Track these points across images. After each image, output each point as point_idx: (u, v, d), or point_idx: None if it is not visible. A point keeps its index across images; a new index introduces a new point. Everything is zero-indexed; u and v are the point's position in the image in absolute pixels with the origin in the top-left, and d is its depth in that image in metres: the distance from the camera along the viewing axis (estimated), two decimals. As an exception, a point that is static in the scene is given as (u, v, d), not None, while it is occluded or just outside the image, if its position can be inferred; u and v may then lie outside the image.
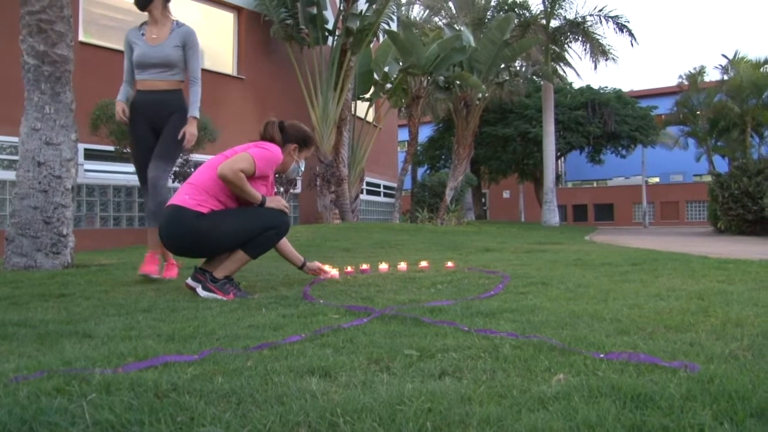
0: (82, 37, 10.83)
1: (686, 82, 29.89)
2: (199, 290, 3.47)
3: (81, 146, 9.16)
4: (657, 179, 41.70)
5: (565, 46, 24.79)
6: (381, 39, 16.77)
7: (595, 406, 1.40)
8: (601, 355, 1.87)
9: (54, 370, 1.73)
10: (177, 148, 4.58)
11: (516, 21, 20.13)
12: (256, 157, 3.53)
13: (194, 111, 4.56)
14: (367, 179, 18.42)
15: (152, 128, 4.58)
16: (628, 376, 1.66)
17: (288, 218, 3.77)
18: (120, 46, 12.06)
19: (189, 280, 3.57)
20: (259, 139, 3.77)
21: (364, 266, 4.78)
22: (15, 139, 6.60)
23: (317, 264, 4.20)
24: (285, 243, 3.98)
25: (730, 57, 27.29)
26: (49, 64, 5.24)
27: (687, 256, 6.14)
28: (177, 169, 10.35)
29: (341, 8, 14.59)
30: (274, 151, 3.67)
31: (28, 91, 5.27)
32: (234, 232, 3.52)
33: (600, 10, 22.48)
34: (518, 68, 23.26)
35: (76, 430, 1.29)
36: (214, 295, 3.41)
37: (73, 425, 1.31)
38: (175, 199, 3.56)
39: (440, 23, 23.98)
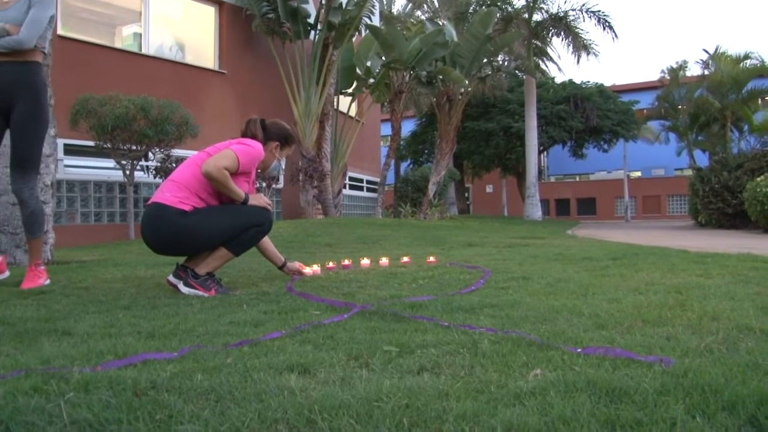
0: (60, 31, 10.71)
1: (668, 77, 30.11)
2: (181, 286, 3.45)
3: (60, 141, 9.08)
4: (639, 173, 42.01)
5: (548, 40, 24.90)
6: (363, 33, 16.74)
7: (570, 401, 1.42)
8: (579, 350, 1.89)
9: (32, 369, 1.72)
10: (34, 144, 3.93)
11: (498, 15, 20.17)
12: (239, 154, 3.52)
13: None
14: (350, 174, 18.41)
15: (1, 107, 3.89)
16: (604, 370, 1.67)
17: (271, 216, 3.76)
18: (100, 40, 12.00)
19: (170, 277, 3.56)
20: (241, 136, 3.76)
21: (346, 262, 4.78)
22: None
23: (297, 264, 4.20)
24: (266, 241, 3.97)
25: (711, 52, 27.52)
26: (27, 58, 5.17)
27: (667, 250, 6.20)
28: (158, 164, 10.29)
29: (323, 2, 14.54)
30: (256, 147, 3.66)
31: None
32: (217, 230, 3.51)
33: (582, 5, 22.62)
34: (501, 63, 23.33)
35: (54, 430, 1.29)
36: (196, 292, 3.40)
37: (50, 424, 1.31)
38: (157, 197, 3.53)
39: (422, 17, 23.96)
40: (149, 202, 3.58)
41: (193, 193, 3.50)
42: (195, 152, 3.83)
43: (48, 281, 3.98)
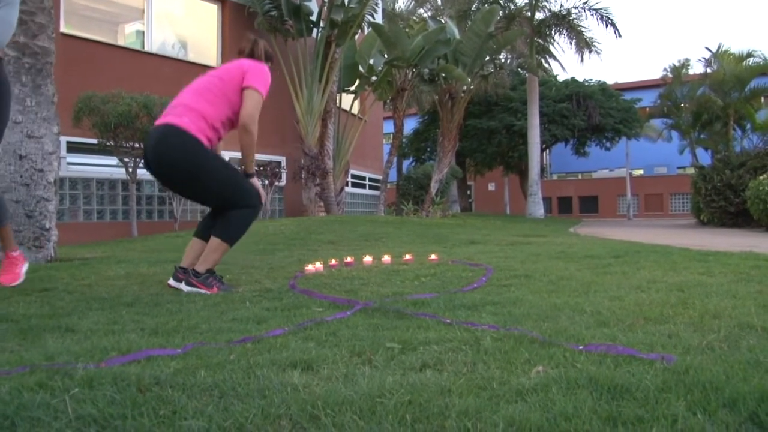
0: (63, 29, 10.72)
1: (670, 75, 30.03)
2: (183, 286, 3.43)
3: (63, 139, 9.09)
4: (641, 171, 41.93)
5: (550, 38, 24.87)
6: (366, 31, 16.72)
7: (572, 398, 1.43)
8: (580, 347, 1.90)
9: (36, 365, 1.73)
10: None
11: (501, 13, 20.12)
12: (263, 92, 3.54)
13: None
14: (352, 172, 18.39)
15: None
16: (606, 367, 1.68)
17: (261, 205, 3.73)
18: (103, 38, 12.01)
19: (171, 281, 3.54)
20: (246, 56, 3.70)
21: (349, 259, 4.79)
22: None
23: None
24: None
25: (714, 50, 27.45)
26: (29, 56, 5.19)
27: (669, 248, 6.20)
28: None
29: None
30: (268, 73, 3.64)
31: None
32: (224, 183, 3.46)
33: (584, 3, 22.55)
34: (503, 61, 23.29)
35: (59, 425, 1.30)
36: (198, 290, 3.38)
37: (55, 420, 1.32)
38: (171, 119, 3.42)
39: (425, 15, 23.94)
40: (162, 122, 3.46)
41: (209, 125, 3.43)
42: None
43: (26, 264, 3.94)
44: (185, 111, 3.43)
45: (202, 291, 3.37)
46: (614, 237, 9.94)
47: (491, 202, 42.34)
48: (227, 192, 3.49)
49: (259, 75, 3.55)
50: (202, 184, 3.46)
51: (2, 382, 1.58)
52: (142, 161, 3.54)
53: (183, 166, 3.40)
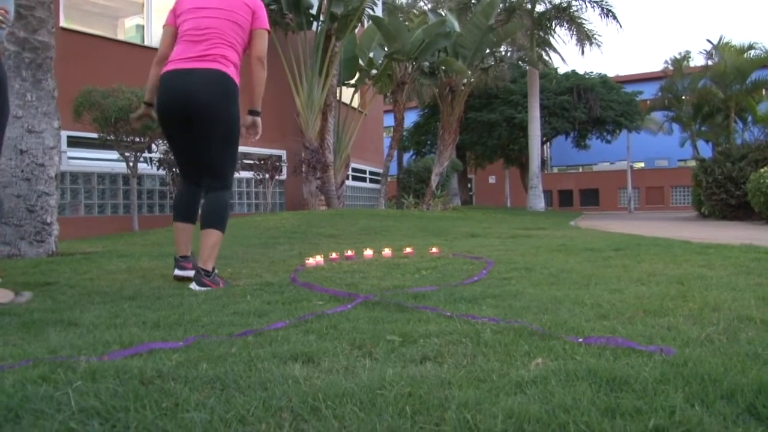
0: (63, 23, 10.70)
1: (671, 67, 29.98)
2: (194, 286, 3.34)
3: (64, 133, 9.09)
4: (642, 164, 41.90)
5: (551, 31, 24.84)
6: (366, 24, 16.69)
7: (571, 390, 1.44)
8: (580, 340, 1.91)
9: (39, 359, 1.74)
10: None
11: (501, 5, 20.09)
12: (268, 28, 3.62)
13: None
14: (353, 165, 18.38)
15: None
16: (605, 360, 1.69)
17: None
18: (103, 32, 11.99)
19: (177, 272, 3.53)
20: None
21: (349, 252, 4.80)
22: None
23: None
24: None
25: (715, 42, 27.37)
26: (29, 50, 5.19)
27: (669, 241, 6.20)
28: (161, 156, 10.30)
29: (325, -7, 14.50)
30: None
31: (8, 78, 5.21)
32: (235, 140, 3.55)
33: (585, -6, 22.52)
34: (504, 53, 23.27)
35: (62, 417, 1.31)
36: (209, 288, 3.34)
37: (58, 412, 1.33)
38: (221, 67, 3.46)
39: (425, 8, 23.90)
40: (210, 66, 3.44)
41: (239, 75, 3.54)
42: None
43: None
44: (228, 62, 3.50)
45: (212, 288, 3.33)
46: (615, 230, 9.95)
47: (492, 195, 42.33)
48: (230, 152, 3.56)
49: (264, 13, 3.64)
50: (225, 134, 3.50)
51: (6, 375, 1.59)
52: (163, 100, 3.50)
53: (222, 116, 3.47)
